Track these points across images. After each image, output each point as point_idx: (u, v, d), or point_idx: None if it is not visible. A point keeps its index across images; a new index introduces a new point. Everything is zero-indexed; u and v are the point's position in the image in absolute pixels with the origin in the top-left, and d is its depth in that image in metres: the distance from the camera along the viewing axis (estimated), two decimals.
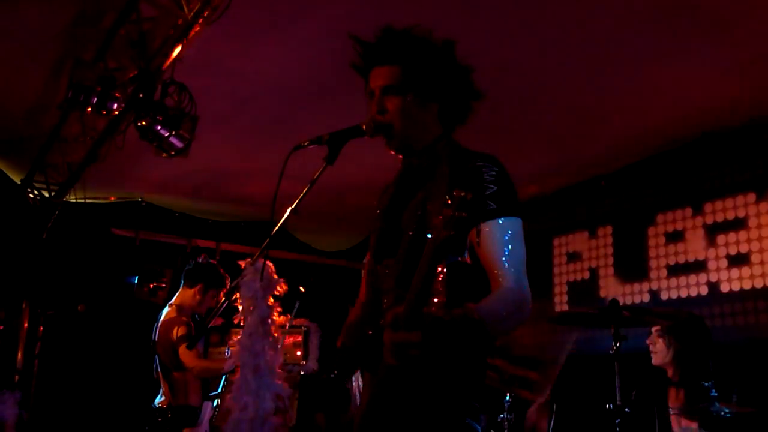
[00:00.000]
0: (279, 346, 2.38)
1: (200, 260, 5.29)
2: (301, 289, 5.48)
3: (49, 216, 6.82)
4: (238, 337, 2.58)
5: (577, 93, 5.08)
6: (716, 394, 3.75)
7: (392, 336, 1.79)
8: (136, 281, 7.58)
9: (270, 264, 2.44)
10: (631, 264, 6.19)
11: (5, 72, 5.09)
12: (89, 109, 4.55)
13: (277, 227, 2.34)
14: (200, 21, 3.94)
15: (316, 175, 2.26)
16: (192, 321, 5.04)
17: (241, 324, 2.39)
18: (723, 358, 4.23)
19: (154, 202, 7.86)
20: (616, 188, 6.41)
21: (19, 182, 6.85)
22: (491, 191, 2.08)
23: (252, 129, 5.88)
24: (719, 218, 5.59)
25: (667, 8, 4.02)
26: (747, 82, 4.83)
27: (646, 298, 6.00)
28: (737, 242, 5.43)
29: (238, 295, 2.67)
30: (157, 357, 4.97)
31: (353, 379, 5.68)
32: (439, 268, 2.00)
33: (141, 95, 4.44)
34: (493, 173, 2.12)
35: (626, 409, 3.93)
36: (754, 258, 5.30)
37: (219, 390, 5.21)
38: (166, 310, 5.08)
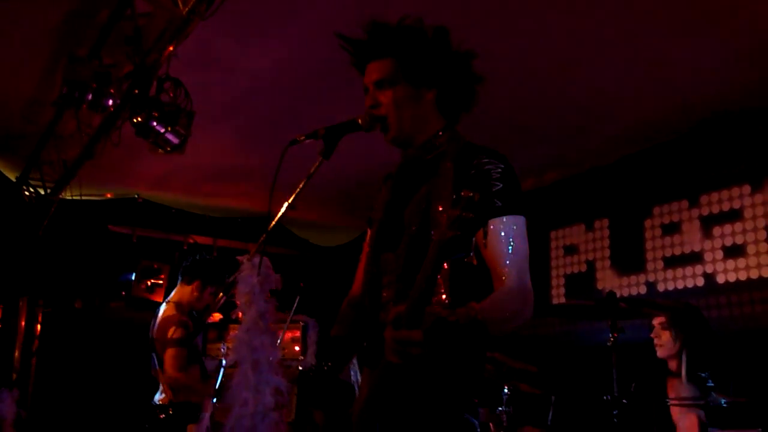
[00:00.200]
0: (278, 342, 2.39)
1: (198, 256, 5.29)
2: (300, 284, 5.48)
3: (46, 213, 6.81)
4: (236, 332, 2.58)
5: (572, 85, 5.08)
6: (713, 385, 3.76)
7: (394, 334, 1.79)
8: (132, 277, 7.58)
9: (267, 260, 2.43)
10: (628, 256, 6.20)
11: None
12: (84, 106, 4.54)
13: (274, 222, 2.33)
14: (195, 16, 3.93)
15: (312, 170, 2.26)
16: (189, 318, 5.03)
17: (239, 319, 2.40)
18: (720, 349, 4.24)
19: (150, 198, 7.85)
20: (612, 181, 6.42)
21: (14, 180, 6.84)
22: (497, 188, 2.07)
23: (248, 124, 5.88)
24: (715, 210, 5.60)
25: (660, 0, 4.03)
26: (742, 73, 4.83)
27: (643, 290, 6.01)
28: (733, 234, 5.44)
29: (235, 290, 2.67)
30: (154, 354, 4.96)
31: (352, 373, 5.70)
32: (443, 267, 2.00)
33: (136, 91, 4.43)
34: (499, 170, 2.11)
35: (623, 401, 3.94)
36: (750, 249, 5.31)
37: (217, 386, 5.21)
38: (163, 306, 5.06)
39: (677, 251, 5.82)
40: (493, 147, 2.21)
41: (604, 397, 4.03)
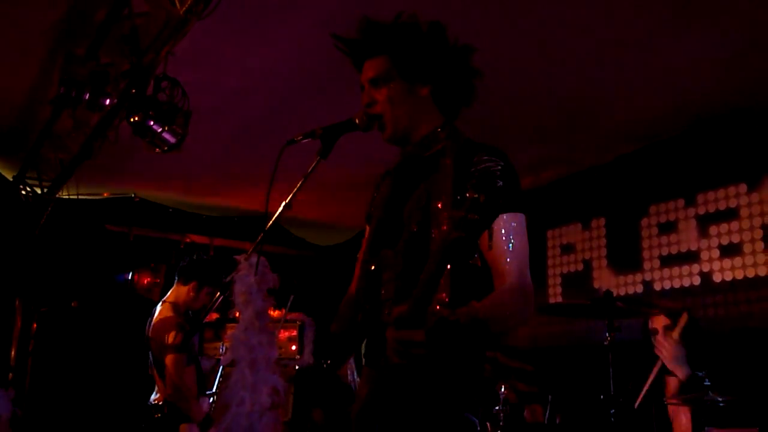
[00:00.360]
0: (274, 341, 2.39)
1: (195, 257, 5.28)
2: (295, 282, 5.48)
3: (42, 212, 6.80)
4: (233, 331, 2.58)
5: (568, 85, 5.09)
6: (710, 384, 3.77)
7: (396, 334, 1.78)
8: (129, 277, 7.57)
9: (264, 259, 2.43)
10: (625, 255, 6.21)
11: None
12: (81, 105, 4.54)
13: (271, 222, 2.34)
14: (192, 16, 3.92)
15: (309, 170, 2.26)
16: (185, 318, 5.02)
17: (237, 318, 2.40)
18: (716, 348, 4.25)
19: (147, 197, 7.84)
20: (609, 180, 6.43)
21: (11, 179, 6.83)
22: (498, 186, 2.07)
23: (245, 124, 5.87)
24: (711, 209, 5.61)
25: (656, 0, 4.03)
26: (737, 72, 4.84)
27: (640, 289, 6.02)
28: (729, 233, 5.46)
29: (233, 290, 2.67)
30: (150, 353, 4.95)
31: (349, 372, 5.70)
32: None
33: (133, 90, 4.42)
34: (499, 167, 2.10)
35: (620, 399, 3.95)
36: (746, 248, 5.33)
37: (215, 387, 5.21)
38: (159, 306, 5.05)
39: (674, 250, 5.83)
40: (489, 144, 2.21)
41: (601, 396, 4.04)
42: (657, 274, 5.92)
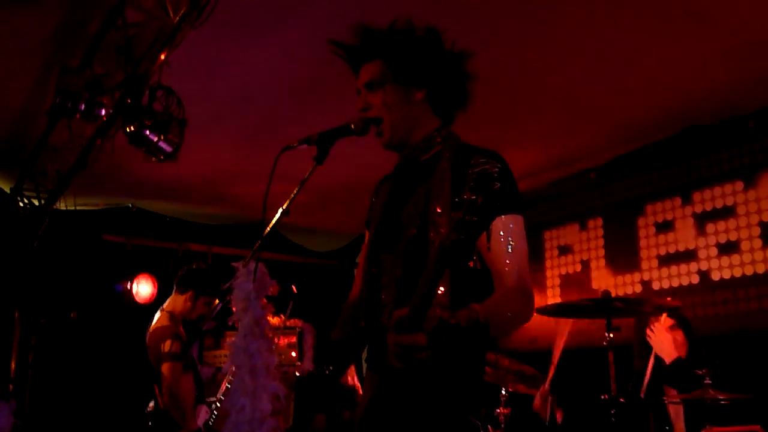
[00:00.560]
0: (273, 347, 2.39)
1: (194, 266, 5.29)
2: (293, 288, 5.48)
3: (40, 224, 6.80)
4: (233, 338, 2.59)
5: (564, 86, 5.10)
6: (710, 382, 3.77)
7: (396, 338, 1.76)
8: (128, 286, 7.57)
9: (263, 265, 2.43)
10: (622, 255, 6.22)
11: None
12: (77, 116, 4.54)
13: (268, 228, 2.34)
14: (186, 25, 3.93)
15: (306, 175, 2.27)
16: (183, 327, 5.04)
17: (236, 326, 2.39)
18: (715, 346, 4.26)
19: (144, 207, 7.85)
20: (605, 180, 6.44)
21: (8, 191, 6.82)
22: (495, 188, 2.07)
23: (241, 131, 5.88)
24: (708, 207, 5.62)
25: (652, 0, 4.05)
26: (732, 70, 4.86)
27: (638, 288, 6.03)
28: (726, 230, 5.47)
29: (231, 297, 2.67)
30: (150, 361, 4.96)
31: (350, 378, 5.69)
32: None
33: (129, 100, 4.43)
34: (497, 169, 2.11)
35: (620, 399, 3.95)
36: (744, 246, 5.34)
37: (220, 395, 5.22)
38: (157, 315, 5.07)
39: (671, 249, 5.84)
40: (485, 147, 2.22)
41: (602, 397, 4.04)
42: (655, 274, 5.92)
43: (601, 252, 6.42)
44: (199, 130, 4.99)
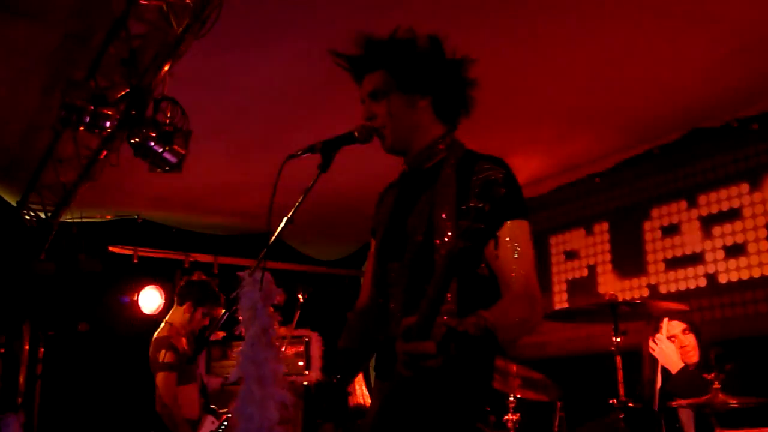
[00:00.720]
0: (281, 356, 2.39)
1: (194, 278, 5.34)
2: (300, 298, 5.49)
3: (47, 236, 6.82)
4: (240, 348, 2.59)
5: (568, 91, 5.11)
6: (720, 386, 3.76)
7: (405, 347, 1.75)
8: (135, 298, 7.58)
9: (269, 274, 2.44)
10: (629, 259, 6.20)
11: None
12: (82, 128, 4.56)
13: (274, 237, 2.34)
14: (189, 36, 3.95)
15: (310, 184, 2.27)
16: (191, 338, 5.10)
17: (243, 335, 2.40)
18: (724, 349, 4.24)
19: (150, 218, 7.86)
20: (610, 184, 6.44)
21: (15, 204, 6.85)
22: (501, 194, 2.07)
23: (246, 141, 5.89)
24: (714, 210, 5.60)
25: (656, 2, 4.05)
26: (736, 72, 4.85)
27: (645, 292, 6.01)
28: (733, 233, 5.45)
29: (238, 306, 2.67)
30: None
31: (357, 387, 5.68)
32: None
33: (133, 112, 4.44)
34: (501, 175, 2.11)
35: (630, 405, 3.94)
36: (751, 248, 5.32)
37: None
38: (161, 326, 5.14)
39: (678, 252, 5.82)
40: (488, 153, 2.22)
41: (610, 402, 4.02)
42: (662, 277, 5.90)
43: (608, 256, 6.41)
44: (204, 141, 5.01)
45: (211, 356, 6.44)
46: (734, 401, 3.69)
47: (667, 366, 4.35)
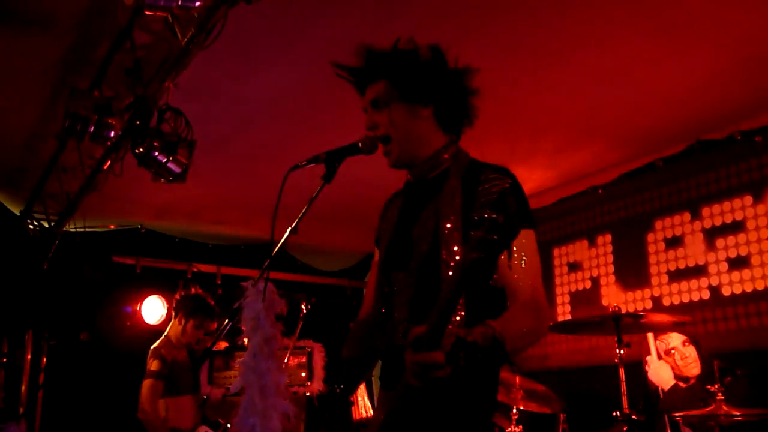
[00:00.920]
0: (283, 366, 2.39)
1: (191, 291, 5.41)
2: (302, 308, 5.49)
3: (50, 246, 6.83)
4: (243, 358, 2.58)
5: (571, 102, 5.11)
6: (723, 398, 3.75)
7: (414, 357, 1.76)
8: (138, 308, 7.58)
9: (272, 285, 2.44)
10: (632, 271, 6.19)
11: (1, 103, 5.11)
12: (86, 138, 4.57)
13: (277, 247, 2.34)
14: (194, 46, 3.96)
15: (314, 194, 2.28)
16: (189, 350, 5.21)
17: (245, 345, 2.40)
18: (728, 362, 4.23)
19: (153, 228, 7.88)
20: (614, 196, 6.43)
21: (18, 213, 6.86)
22: (507, 204, 2.07)
23: (249, 151, 5.90)
24: (717, 222, 5.59)
25: (658, 12, 4.05)
26: (739, 84, 4.86)
27: (649, 304, 5.99)
28: (736, 245, 5.44)
29: (241, 317, 2.68)
30: None
31: (360, 397, 5.67)
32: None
33: (137, 122, 4.45)
34: (508, 185, 2.11)
35: (633, 416, 3.93)
36: (754, 260, 5.31)
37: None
38: (161, 338, 5.24)
39: (681, 264, 5.81)
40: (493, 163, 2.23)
41: (614, 414, 4.02)
42: (666, 290, 5.89)
43: (611, 268, 6.39)
44: (208, 151, 5.02)
45: (214, 366, 6.44)
46: (738, 413, 3.68)
47: (659, 384, 4.38)
